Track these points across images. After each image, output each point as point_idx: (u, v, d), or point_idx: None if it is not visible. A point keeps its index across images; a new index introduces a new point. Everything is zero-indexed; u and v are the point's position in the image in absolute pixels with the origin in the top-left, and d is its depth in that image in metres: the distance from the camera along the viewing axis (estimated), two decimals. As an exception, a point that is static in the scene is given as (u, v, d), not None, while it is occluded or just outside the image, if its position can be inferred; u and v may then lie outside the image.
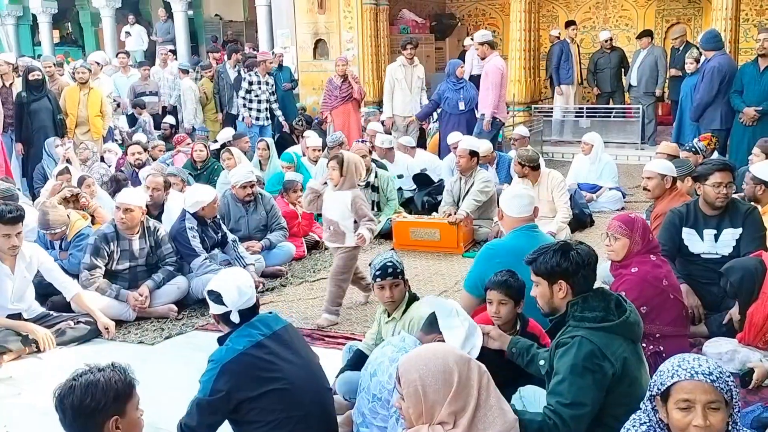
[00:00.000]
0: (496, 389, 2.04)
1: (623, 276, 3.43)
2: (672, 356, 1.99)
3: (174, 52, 13.50)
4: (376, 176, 6.73)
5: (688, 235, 4.14)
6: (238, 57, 10.71)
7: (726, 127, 7.51)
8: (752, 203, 4.28)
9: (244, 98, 9.51)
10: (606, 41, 10.99)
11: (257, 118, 9.56)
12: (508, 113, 10.97)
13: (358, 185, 4.80)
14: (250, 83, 9.50)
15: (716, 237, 4.08)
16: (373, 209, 6.68)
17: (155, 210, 5.53)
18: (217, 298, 2.75)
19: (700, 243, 4.13)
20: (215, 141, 8.92)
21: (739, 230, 4.02)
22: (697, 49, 8.66)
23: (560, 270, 2.60)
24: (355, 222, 4.58)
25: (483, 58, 8.38)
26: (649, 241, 3.51)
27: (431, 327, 2.74)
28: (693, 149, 5.86)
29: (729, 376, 1.88)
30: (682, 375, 1.87)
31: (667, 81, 10.25)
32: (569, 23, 11.50)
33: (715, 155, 6.46)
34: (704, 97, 7.52)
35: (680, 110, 8.49)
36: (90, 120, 8.49)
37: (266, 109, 9.61)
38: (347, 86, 9.38)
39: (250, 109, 9.52)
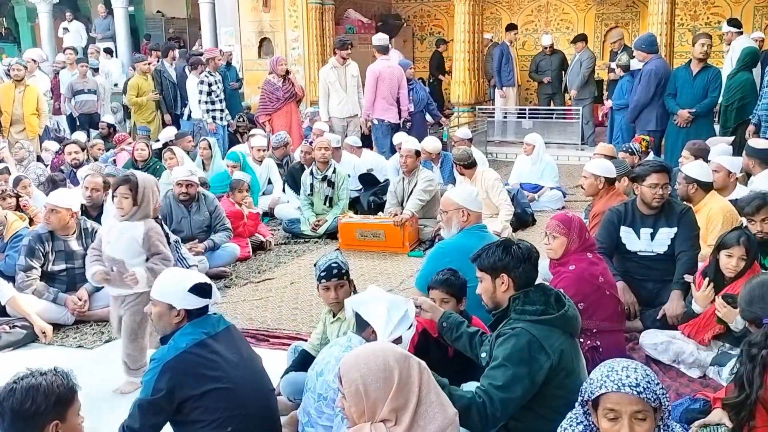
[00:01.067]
0: (436, 385, 2.08)
1: (561, 273, 3.52)
2: (604, 361, 2.04)
3: (110, 51, 13.16)
4: (334, 172, 6.75)
5: (626, 234, 4.26)
6: (175, 54, 10.53)
7: (661, 129, 7.78)
8: (686, 203, 4.43)
9: (206, 102, 9.14)
10: (546, 48, 11.26)
11: (221, 119, 9.32)
12: (452, 114, 11.17)
13: (156, 217, 3.98)
14: (210, 84, 9.16)
15: (652, 236, 4.19)
16: (325, 204, 6.71)
17: (94, 211, 5.40)
18: (203, 290, 2.72)
19: (636, 241, 4.24)
20: (157, 140, 8.76)
21: (674, 229, 4.14)
22: (628, 55, 8.96)
23: (502, 264, 2.71)
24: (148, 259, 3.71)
25: None
26: (586, 239, 3.62)
27: (360, 323, 2.76)
28: (629, 150, 6.05)
29: (657, 384, 1.94)
30: (610, 386, 1.94)
31: (606, 83, 10.54)
32: (510, 26, 11.71)
33: (651, 156, 6.69)
34: (641, 99, 7.76)
35: (611, 112, 8.80)
36: (25, 118, 8.25)
37: (223, 108, 9.39)
38: (288, 85, 9.21)
39: (214, 111, 9.20)
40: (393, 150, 8.06)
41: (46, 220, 4.61)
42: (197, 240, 5.66)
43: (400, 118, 8.66)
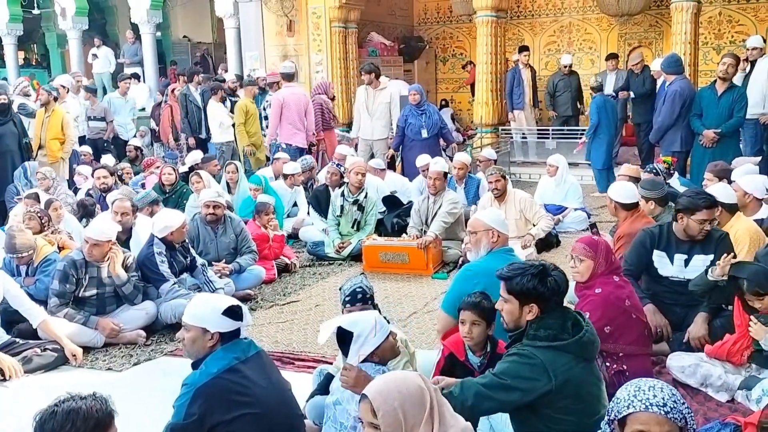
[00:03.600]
0: (445, 401, 2.10)
1: (587, 297, 3.52)
2: (630, 380, 2.05)
3: (137, 76, 13.44)
4: (366, 196, 6.81)
5: (659, 258, 4.17)
6: (200, 79, 10.73)
7: (686, 149, 7.74)
8: (722, 229, 4.29)
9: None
10: (565, 66, 11.28)
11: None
12: (475, 135, 11.22)
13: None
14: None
15: (686, 262, 4.10)
16: (352, 227, 6.78)
17: (123, 235, 5.50)
18: (236, 313, 2.77)
19: (669, 266, 4.14)
20: (183, 164, 8.92)
21: (710, 257, 4.01)
22: (597, 79, 9.48)
23: (536, 293, 2.68)
24: None
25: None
26: (612, 262, 3.62)
27: (346, 353, 2.78)
28: (654, 171, 6.02)
29: (683, 404, 1.95)
30: (638, 406, 1.95)
31: (629, 104, 10.49)
32: (522, 48, 11.73)
33: (675, 177, 6.66)
34: (665, 120, 7.74)
35: (596, 129, 9.08)
36: (47, 142, 8.43)
37: None
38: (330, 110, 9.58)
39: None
40: None
41: (88, 254, 4.70)
42: (226, 263, 5.72)
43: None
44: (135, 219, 5.68)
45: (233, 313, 2.77)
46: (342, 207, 6.79)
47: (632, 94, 9.77)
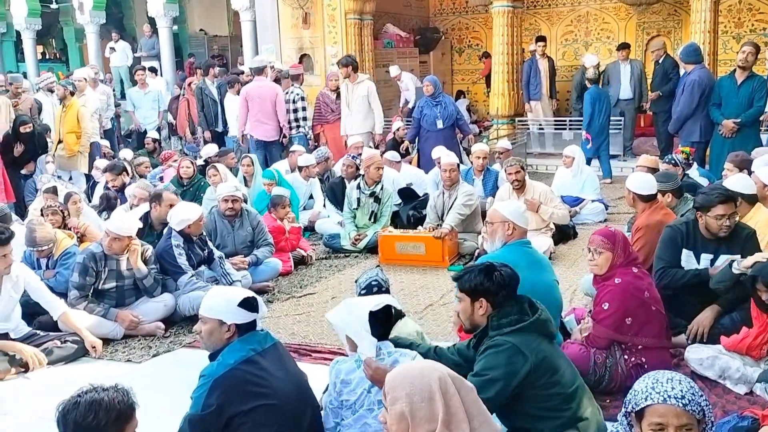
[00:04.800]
0: (480, 405, 2.05)
1: (606, 287, 3.52)
2: (648, 373, 2.05)
3: (154, 69, 13.51)
4: (382, 188, 6.82)
5: (686, 257, 4.10)
6: (216, 72, 10.78)
7: (705, 140, 7.66)
8: (748, 225, 4.16)
9: (294, 116, 9.42)
10: (589, 68, 11.08)
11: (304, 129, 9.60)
12: (491, 126, 11.17)
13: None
14: (295, 101, 9.40)
15: (712, 262, 4.03)
16: (369, 219, 6.80)
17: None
18: (252, 305, 2.81)
19: (696, 266, 4.07)
20: (199, 157, 8.98)
21: (737, 256, 3.88)
22: (595, 69, 9.42)
23: (483, 289, 2.81)
24: None
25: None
26: (630, 253, 3.61)
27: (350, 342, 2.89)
28: (672, 161, 5.97)
29: (701, 396, 1.95)
30: (656, 398, 1.95)
31: (649, 93, 10.38)
32: (539, 38, 11.62)
33: (694, 168, 6.60)
34: (684, 110, 7.66)
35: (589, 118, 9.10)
36: (63, 136, 8.50)
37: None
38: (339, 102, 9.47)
39: (298, 123, 9.45)
40: (266, 162, 8.68)
41: (108, 248, 4.75)
42: (243, 255, 5.76)
43: (281, 135, 9.16)
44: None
45: (249, 304, 2.80)
46: (358, 200, 6.80)
47: (660, 93, 9.62)
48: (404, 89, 11.92)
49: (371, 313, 2.83)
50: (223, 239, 5.85)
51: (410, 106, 11.22)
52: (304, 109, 9.46)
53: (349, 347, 2.93)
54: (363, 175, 6.87)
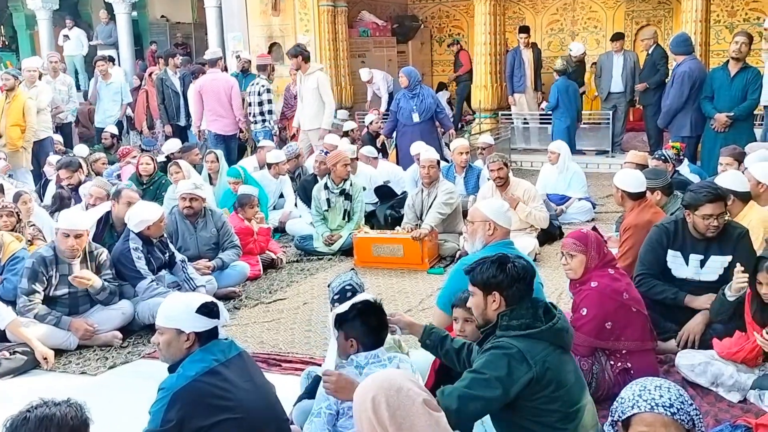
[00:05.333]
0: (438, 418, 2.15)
1: (583, 292, 3.57)
2: (636, 380, 2.07)
3: (111, 59, 13.34)
4: (351, 184, 6.81)
5: (673, 258, 4.11)
6: (178, 61, 10.68)
7: (696, 134, 7.76)
8: (741, 225, 4.18)
9: (259, 110, 9.33)
10: (574, 57, 11.21)
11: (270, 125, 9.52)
12: (473, 121, 11.21)
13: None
14: (260, 93, 9.28)
15: (702, 263, 4.05)
16: (344, 219, 6.79)
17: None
18: (212, 311, 2.79)
19: (684, 268, 4.09)
20: (160, 153, 8.90)
21: (729, 258, 3.92)
22: (564, 60, 9.64)
23: (496, 282, 2.78)
24: None
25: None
26: (605, 254, 3.68)
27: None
28: (662, 157, 6.04)
29: (691, 405, 1.97)
30: (643, 406, 1.96)
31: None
32: (522, 29, 11.71)
33: (685, 164, 6.68)
34: (674, 103, 7.75)
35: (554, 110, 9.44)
36: (6, 130, 8.36)
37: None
38: None
39: (264, 118, 9.36)
40: (231, 158, 8.68)
41: (69, 248, 4.64)
42: (207, 259, 5.72)
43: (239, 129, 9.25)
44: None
45: (208, 310, 2.78)
46: (328, 201, 6.78)
47: (647, 85, 9.75)
48: (377, 92, 11.95)
49: (362, 321, 2.89)
50: (185, 241, 5.80)
51: (383, 108, 11.23)
52: (270, 101, 9.37)
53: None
54: (329, 175, 6.83)
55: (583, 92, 11.39)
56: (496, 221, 3.82)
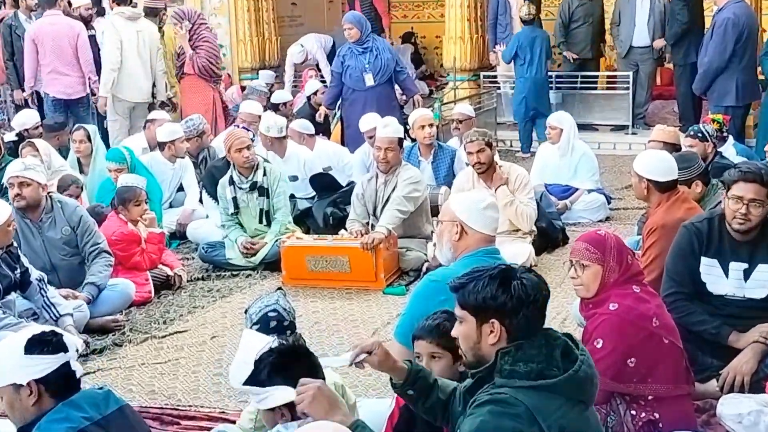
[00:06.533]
0: None
1: (599, 317, 3.54)
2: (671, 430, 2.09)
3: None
4: (265, 174, 6.76)
5: (708, 268, 4.14)
6: (31, 2, 10.50)
7: (744, 103, 7.89)
8: None
9: None
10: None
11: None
12: (445, 84, 11.25)
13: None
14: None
15: (746, 274, 4.07)
16: (261, 221, 6.75)
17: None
18: (48, 344, 2.74)
19: (723, 281, 4.11)
20: (9, 130, 8.76)
21: None
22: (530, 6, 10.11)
23: (495, 305, 2.65)
24: None
25: None
26: (629, 265, 3.64)
27: None
28: (699, 134, 6.12)
29: None
30: None
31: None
32: None
33: (729, 142, 6.77)
34: (714, 62, 7.87)
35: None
36: None
37: None
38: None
39: None
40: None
41: None
42: (63, 271, 5.67)
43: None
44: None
45: (41, 344, 2.74)
46: (235, 200, 6.72)
47: (665, 41, 9.92)
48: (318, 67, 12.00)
49: (285, 377, 2.81)
50: (30, 248, 5.64)
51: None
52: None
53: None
54: (234, 166, 6.74)
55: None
56: (466, 221, 3.79)
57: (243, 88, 11.34)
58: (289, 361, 2.87)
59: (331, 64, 9.86)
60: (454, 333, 2.81)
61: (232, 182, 6.73)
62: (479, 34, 11.12)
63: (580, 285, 3.65)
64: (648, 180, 4.76)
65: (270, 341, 2.99)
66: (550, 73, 11.48)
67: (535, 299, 2.65)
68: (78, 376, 2.82)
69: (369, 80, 8.54)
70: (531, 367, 2.59)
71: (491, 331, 2.66)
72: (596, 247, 3.60)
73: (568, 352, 2.65)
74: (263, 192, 6.74)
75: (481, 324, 2.68)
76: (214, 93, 9.94)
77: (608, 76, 11.39)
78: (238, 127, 7.55)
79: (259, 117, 8.25)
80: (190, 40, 9.64)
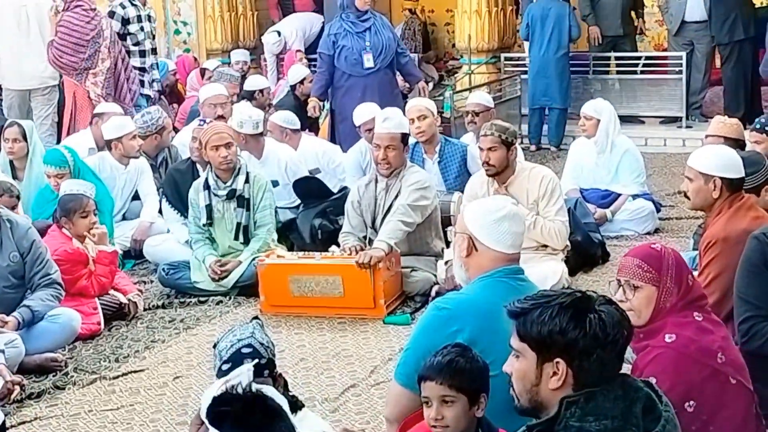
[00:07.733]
0: None
1: (652, 351, 3.53)
2: None
3: None
4: (247, 181, 6.76)
5: None
6: None
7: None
8: None
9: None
10: None
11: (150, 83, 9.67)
12: (459, 69, 11.28)
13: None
14: (150, 18, 9.43)
15: None
16: (236, 238, 6.76)
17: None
18: None
19: None
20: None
21: None
22: None
23: (563, 341, 2.64)
24: None
25: None
26: (689, 286, 3.63)
27: None
28: (765, 129, 6.13)
29: None
30: None
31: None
32: None
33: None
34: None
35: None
36: None
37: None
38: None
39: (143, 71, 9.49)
40: None
41: None
42: (5, 307, 5.62)
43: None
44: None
45: None
46: (209, 208, 6.74)
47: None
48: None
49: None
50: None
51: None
52: (151, 36, 9.46)
53: None
54: (210, 166, 6.77)
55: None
56: (476, 235, 3.77)
57: (203, 73, 11.38)
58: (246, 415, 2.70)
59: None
60: (506, 368, 2.76)
61: (207, 186, 6.74)
62: (499, 7, 11.15)
63: (629, 310, 3.61)
64: (721, 178, 4.74)
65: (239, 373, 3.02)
66: (585, 53, 11.55)
67: (614, 339, 2.64)
68: None
69: (368, 61, 8.54)
70: (604, 425, 2.57)
71: (554, 373, 2.65)
72: (651, 265, 3.57)
73: (650, 407, 2.65)
74: (243, 203, 6.75)
75: (542, 362, 2.67)
76: (75, 89, 9.62)
77: (657, 57, 11.38)
78: (203, 123, 7.52)
79: (228, 99, 8.23)
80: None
